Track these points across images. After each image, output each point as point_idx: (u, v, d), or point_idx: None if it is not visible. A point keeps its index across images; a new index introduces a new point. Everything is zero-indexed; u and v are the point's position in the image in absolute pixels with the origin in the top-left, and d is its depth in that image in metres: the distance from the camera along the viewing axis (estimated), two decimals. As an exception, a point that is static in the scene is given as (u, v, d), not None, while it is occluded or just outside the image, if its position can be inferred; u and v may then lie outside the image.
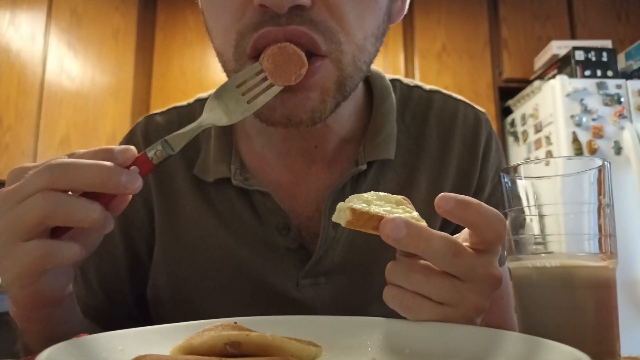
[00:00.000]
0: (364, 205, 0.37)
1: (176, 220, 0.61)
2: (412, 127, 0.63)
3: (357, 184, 0.59)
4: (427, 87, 0.67)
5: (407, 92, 0.66)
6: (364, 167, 0.57)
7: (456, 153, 0.63)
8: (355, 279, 0.57)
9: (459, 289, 0.36)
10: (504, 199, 0.41)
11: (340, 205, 0.37)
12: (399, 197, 0.40)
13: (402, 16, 0.58)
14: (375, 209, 0.37)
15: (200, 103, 0.67)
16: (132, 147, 0.39)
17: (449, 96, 0.67)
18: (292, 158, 0.60)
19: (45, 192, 0.36)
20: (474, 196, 0.38)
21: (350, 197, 0.38)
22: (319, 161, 0.60)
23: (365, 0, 0.48)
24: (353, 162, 0.59)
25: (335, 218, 0.37)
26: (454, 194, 0.37)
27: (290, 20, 0.44)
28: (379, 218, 0.36)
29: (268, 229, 0.57)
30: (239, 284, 0.58)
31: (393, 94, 0.64)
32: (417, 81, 0.68)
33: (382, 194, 0.40)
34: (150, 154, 0.39)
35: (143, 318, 0.67)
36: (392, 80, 0.66)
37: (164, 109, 0.68)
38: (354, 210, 0.35)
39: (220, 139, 0.61)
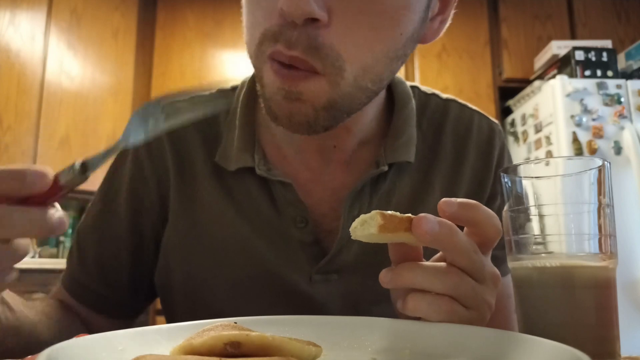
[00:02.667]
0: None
1: (194, 205, 0.61)
2: (428, 134, 0.65)
3: (376, 185, 0.59)
4: (444, 95, 0.69)
5: (424, 99, 0.67)
6: (385, 168, 0.58)
7: (470, 161, 0.64)
8: (366, 278, 0.57)
9: (477, 290, 0.38)
10: (504, 199, 0.41)
11: (362, 217, 0.36)
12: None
13: (439, 36, 0.58)
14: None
15: (222, 93, 0.67)
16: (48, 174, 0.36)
17: (465, 106, 0.68)
18: (310, 155, 0.61)
19: None
20: (486, 204, 0.40)
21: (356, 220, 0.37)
22: (336, 161, 0.61)
23: (384, 28, 0.48)
24: (371, 163, 0.60)
25: (359, 230, 0.36)
26: (454, 198, 0.39)
27: (301, 39, 0.45)
28: (409, 219, 0.36)
29: (285, 221, 0.58)
30: (251, 274, 0.58)
31: (413, 100, 0.65)
32: (433, 89, 0.70)
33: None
34: (64, 179, 0.36)
35: (135, 306, 0.66)
36: (411, 87, 0.68)
37: None
38: (384, 215, 0.35)
39: (244, 129, 0.61)
